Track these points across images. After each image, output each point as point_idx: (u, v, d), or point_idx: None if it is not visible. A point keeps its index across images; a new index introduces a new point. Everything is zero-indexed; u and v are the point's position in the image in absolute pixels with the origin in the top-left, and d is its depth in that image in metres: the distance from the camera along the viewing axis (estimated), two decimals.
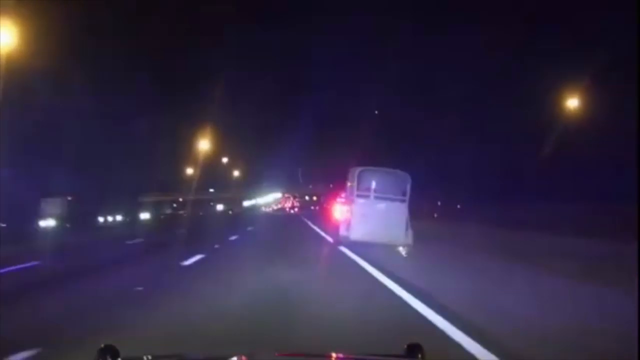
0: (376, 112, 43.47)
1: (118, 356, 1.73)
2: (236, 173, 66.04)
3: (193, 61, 41.99)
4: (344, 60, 52.92)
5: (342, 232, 13.52)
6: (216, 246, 14.36)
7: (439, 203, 45.89)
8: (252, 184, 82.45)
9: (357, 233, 12.89)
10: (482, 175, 26.52)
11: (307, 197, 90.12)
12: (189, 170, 43.56)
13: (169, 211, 42.66)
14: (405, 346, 1.90)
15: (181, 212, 42.51)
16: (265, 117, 52.53)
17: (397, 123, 36.36)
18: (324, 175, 58.30)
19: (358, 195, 13.45)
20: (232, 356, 1.93)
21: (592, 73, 18.92)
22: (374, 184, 13.51)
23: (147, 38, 30.03)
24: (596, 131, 19.40)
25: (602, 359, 3.95)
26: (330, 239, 15.84)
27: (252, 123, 51.10)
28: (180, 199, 48.35)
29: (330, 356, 2.20)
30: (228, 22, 40.53)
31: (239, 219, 36.72)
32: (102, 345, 1.73)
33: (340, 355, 2.26)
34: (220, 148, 48.13)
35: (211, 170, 46.61)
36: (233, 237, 17.88)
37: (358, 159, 19.21)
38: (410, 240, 12.67)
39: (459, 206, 39.34)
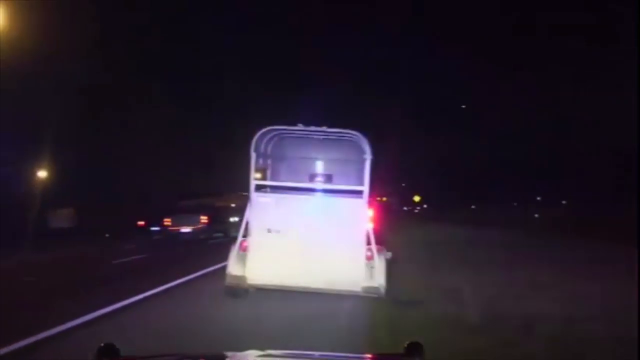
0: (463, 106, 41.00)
1: (118, 355, 1.72)
2: None
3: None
4: None
5: (231, 269, 6.51)
6: None
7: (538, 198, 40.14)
8: None
9: (259, 271, 6.32)
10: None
11: None
12: None
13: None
14: (405, 345, 1.84)
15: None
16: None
17: None
18: None
19: (259, 188, 6.67)
20: (231, 355, 1.95)
21: None
22: (294, 164, 7.21)
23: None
24: None
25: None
26: None
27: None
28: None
29: (330, 356, 2.26)
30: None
31: None
32: (102, 344, 1.71)
33: (341, 355, 2.31)
34: None
35: None
36: None
37: None
38: (379, 280, 6.21)
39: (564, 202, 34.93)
